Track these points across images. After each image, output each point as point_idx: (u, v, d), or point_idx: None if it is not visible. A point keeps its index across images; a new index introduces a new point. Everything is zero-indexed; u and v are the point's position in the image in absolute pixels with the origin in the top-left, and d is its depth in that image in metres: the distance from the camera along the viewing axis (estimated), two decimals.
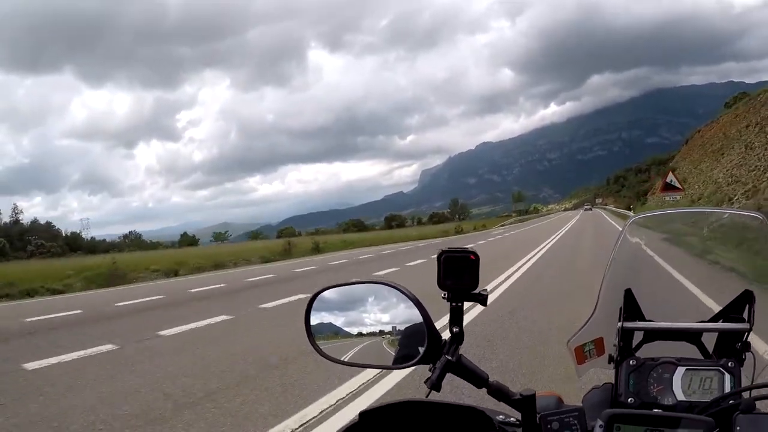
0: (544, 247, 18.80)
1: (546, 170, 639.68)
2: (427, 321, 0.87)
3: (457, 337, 0.87)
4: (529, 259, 14.09)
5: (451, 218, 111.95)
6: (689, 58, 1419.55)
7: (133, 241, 70.44)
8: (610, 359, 1.07)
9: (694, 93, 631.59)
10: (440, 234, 45.80)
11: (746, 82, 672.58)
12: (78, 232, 66.13)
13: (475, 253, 0.87)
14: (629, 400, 0.98)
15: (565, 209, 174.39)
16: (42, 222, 61.67)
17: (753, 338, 1.02)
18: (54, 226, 61.19)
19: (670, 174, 22.59)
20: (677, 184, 21.40)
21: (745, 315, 1.05)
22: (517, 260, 13.60)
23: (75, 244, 55.38)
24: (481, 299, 0.89)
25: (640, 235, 1.32)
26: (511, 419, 0.87)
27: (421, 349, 0.86)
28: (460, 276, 0.87)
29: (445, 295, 0.88)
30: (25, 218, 61.90)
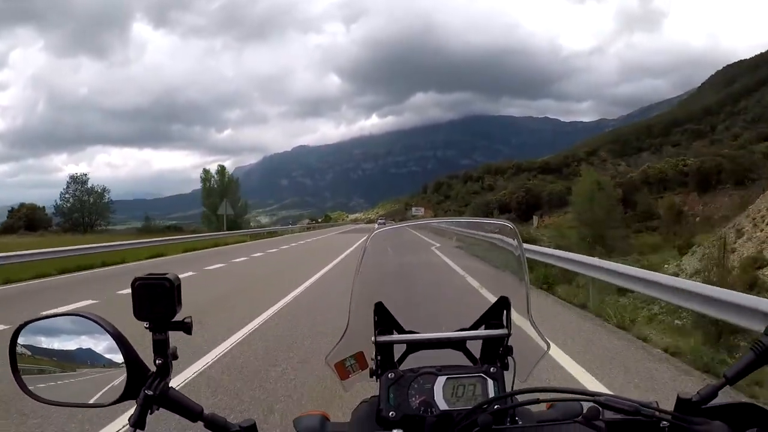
0: None
1: (359, 179, 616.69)
2: (126, 355, 0.79)
3: (162, 370, 0.80)
4: None
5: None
6: (512, 90, 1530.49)
7: None
8: (372, 373, 1.04)
9: (510, 123, 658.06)
10: None
11: (561, 119, 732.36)
12: None
13: (169, 280, 0.80)
14: (390, 414, 0.94)
15: (369, 221, 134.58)
16: None
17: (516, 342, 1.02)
18: None
19: None
20: None
21: (504, 320, 1.06)
22: None
23: None
24: (185, 327, 0.82)
25: (386, 247, 1.25)
26: None
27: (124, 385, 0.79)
28: (157, 304, 0.80)
29: (147, 325, 0.81)
30: None
